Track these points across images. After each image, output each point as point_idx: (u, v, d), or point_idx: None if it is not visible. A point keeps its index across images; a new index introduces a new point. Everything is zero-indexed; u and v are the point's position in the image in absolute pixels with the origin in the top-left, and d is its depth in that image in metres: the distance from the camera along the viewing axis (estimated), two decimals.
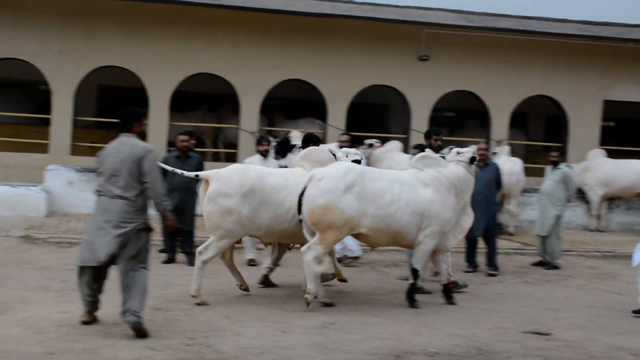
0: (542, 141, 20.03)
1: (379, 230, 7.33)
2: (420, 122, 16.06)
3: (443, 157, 7.95)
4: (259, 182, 7.36)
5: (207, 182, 7.39)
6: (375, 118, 19.47)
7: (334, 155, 8.11)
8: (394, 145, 14.33)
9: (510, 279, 9.89)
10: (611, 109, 17.34)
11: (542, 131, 20.82)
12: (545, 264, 10.85)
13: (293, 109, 18.14)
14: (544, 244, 10.89)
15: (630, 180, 15.27)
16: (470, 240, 10.13)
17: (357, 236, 7.66)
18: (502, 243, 11.80)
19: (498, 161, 13.89)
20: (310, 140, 8.54)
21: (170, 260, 9.57)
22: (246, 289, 7.75)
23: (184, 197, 9.34)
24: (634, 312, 7.66)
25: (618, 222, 16.12)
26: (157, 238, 8.12)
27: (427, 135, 9.52)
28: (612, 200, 15.98)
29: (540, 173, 16.77)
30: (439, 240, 7.54)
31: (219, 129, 17.31)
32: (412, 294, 7.59)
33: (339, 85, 15.78)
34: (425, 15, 16.03)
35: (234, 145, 16.12)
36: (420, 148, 9.54)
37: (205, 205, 7.32)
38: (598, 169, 15.43)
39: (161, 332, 5.94)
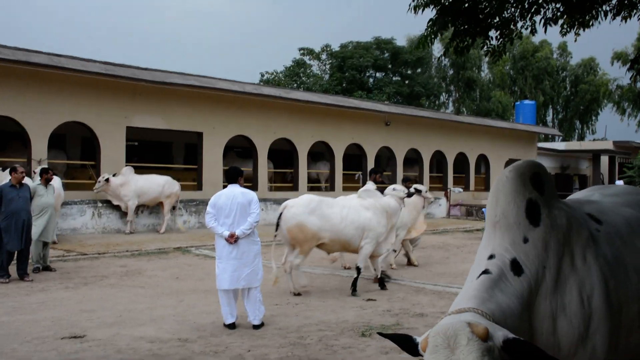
0: (80, 160, 19.85)
1: (334, 240, 8.74)
2: None
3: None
4: None
5: None
6: None
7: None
8: None
9: (52, 285, 9.38)
10: (134, 133, 18.15)
11: (79, 151, 20.60)
12: (48, 268, 10.67)
13: None
14: (44, 249, 10.72)
15: (156, 191, 16.47)
16: (9, 253, 9.73)
17: (318, 245, 8.85)
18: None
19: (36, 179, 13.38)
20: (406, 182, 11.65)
21: None
22: None
23: None
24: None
25: (143, 224, 17.02)
26: None
27: (372, 172, 10.59)
28: (138, 207, 16.81)
29: (79, 187, 16.71)
30: (374, 247, 8.94)
31: None
32: (356, 284, 8.88)
33: None
34: None
35: None
36: None
37: None
38: (133, 183, 16.10)
39: None
